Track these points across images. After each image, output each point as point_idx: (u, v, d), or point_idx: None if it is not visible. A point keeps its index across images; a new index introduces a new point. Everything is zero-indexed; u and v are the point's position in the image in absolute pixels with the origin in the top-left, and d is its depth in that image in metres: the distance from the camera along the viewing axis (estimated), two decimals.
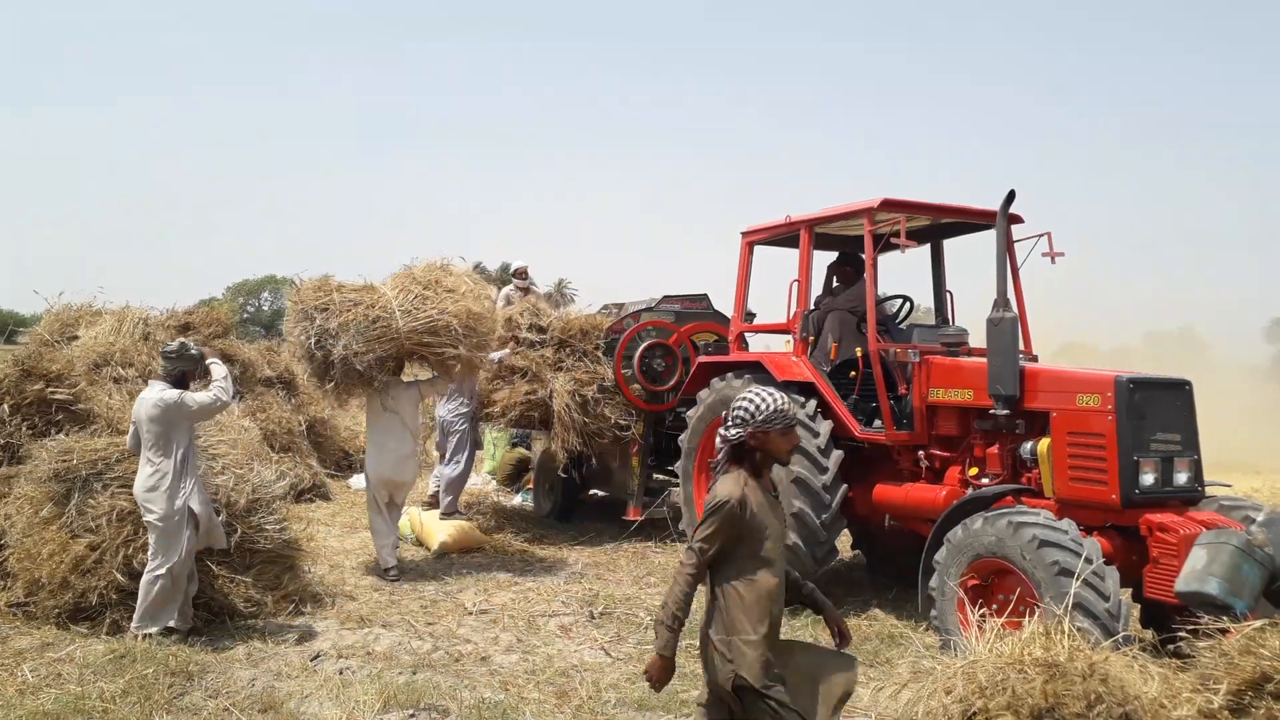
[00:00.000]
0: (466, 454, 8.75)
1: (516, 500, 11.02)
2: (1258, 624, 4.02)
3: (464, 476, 8.84)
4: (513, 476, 11.44)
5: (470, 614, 6.50)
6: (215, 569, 6.08)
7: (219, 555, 6.07)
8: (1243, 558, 4.52)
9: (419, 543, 8.58)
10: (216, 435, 6.78)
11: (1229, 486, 5.74)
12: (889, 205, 6.46)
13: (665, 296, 9.42)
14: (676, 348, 9.03)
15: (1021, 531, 4.85)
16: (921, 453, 6.46)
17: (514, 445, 11.53)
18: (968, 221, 7.08)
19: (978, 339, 6.71)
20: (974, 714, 3.51)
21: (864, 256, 7.42)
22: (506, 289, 11.02)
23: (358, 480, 11.99)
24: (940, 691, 3.60)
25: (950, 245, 7.68)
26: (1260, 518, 4.82)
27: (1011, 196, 5.81)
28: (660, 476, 9.25)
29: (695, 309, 9.44)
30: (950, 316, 7.60)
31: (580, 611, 6.56)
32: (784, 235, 7.40)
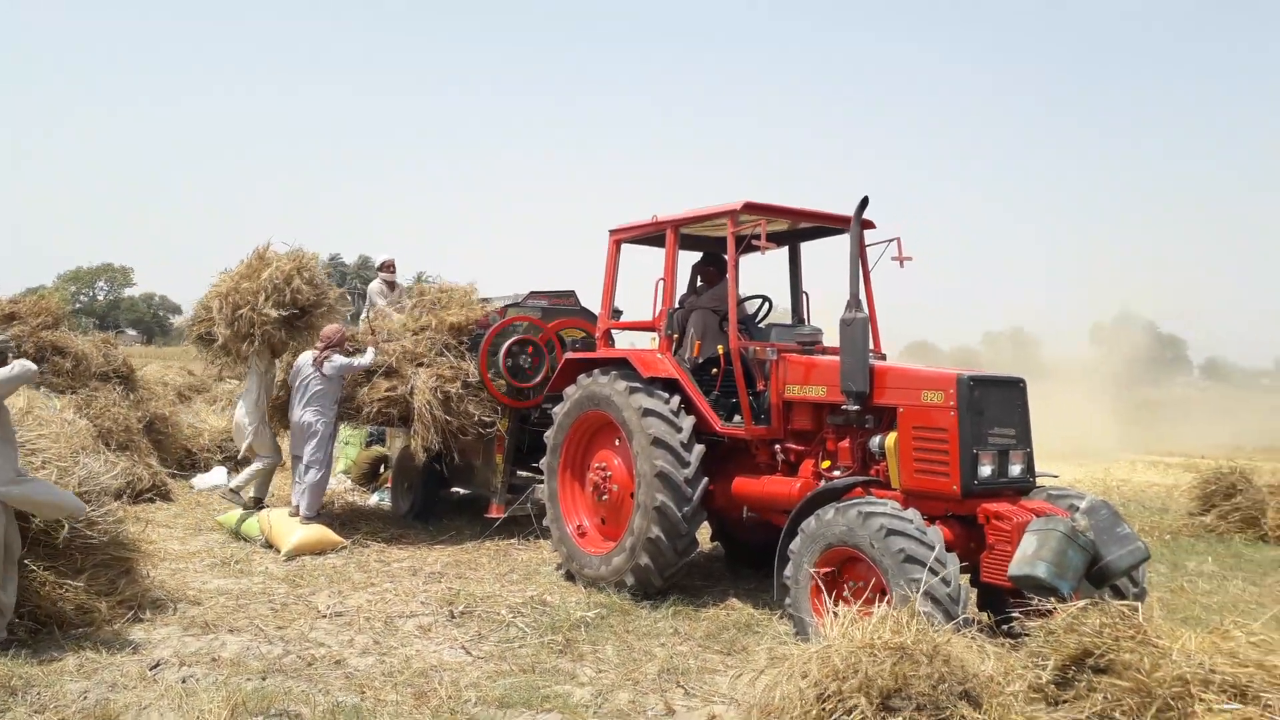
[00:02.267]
0: (328, 456, 8.42)
1: (373, 500, 10.72)
2: (1080, 604, 4.35)
3: (325, 479, 8.51)
4: (368, 475, 11.13)
5: (324, 617, 6.28)
6: (41, 573, 5.64)
7: (45, 559, 5.64)
8: (1068, 543, 4.87)
9: (269, 545, 8.22)
10: (37, 430, 6.30)
11: (1056, 477, 6.17)
12: (751, 208, 6.64)
13: (532, 292, 9.37)
14: (543, 344, 9.00)
15: (870, 521, 5.08)
16: (778, 447, 6.66)
17: (369, 443, 11.22)
18: (824, 226, 7.36)
19: (832, 338, 7.00)
20: (828, 696, 3.65)
21: (727, 257, 7.62)
22: (375, 282, 10.73)
23: (201, 480, 11.42)
24: (796, 676, 3.73)
25: (806, 248, 7.96)
26: (1083, 505, 5.21)
27: (865, 203, 6.07)
28: (524, 473, 9.19)
29: (563, 305, 9.43)
30: (806, 316, 7.88)
31: (440, 611, 6.44)
32: (651, 234, 7.49)
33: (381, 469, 11.12)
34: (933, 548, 4.91)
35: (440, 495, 9.95)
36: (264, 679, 5.07)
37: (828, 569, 5.38)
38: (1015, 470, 5.65)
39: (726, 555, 8.26)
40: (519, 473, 9.17)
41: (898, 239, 6.94)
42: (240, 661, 5.35)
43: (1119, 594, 5.42)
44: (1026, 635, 4.44)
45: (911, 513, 5.13)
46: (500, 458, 8.90)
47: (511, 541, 8.74)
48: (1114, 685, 4.06)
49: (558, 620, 6.19)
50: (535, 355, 8.95)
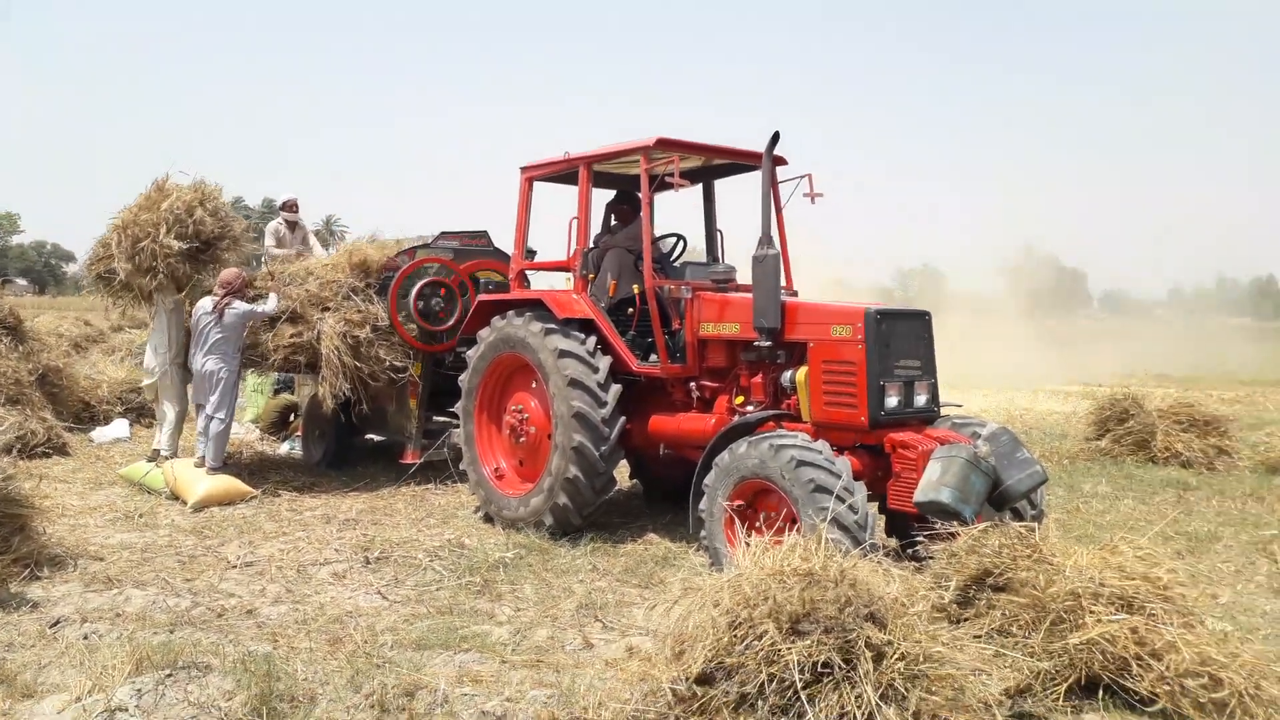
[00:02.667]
0: (230, 405, 8.14)
1: (284, 449, 10.48)
2: (981, 526, 4.52)
3: (229, 429, 8.25)
4: (277, 424, 10.86)
5: (234, 567, 6.15)
6: None
7: None
8: (970, 469, 5.03)
9: (175, 497, 7.98)
10: None
11: (960, 406, 6.36)
12: (664, 144, 6.57)
13: (443, 233, 9.16)
14: (456, 286, 8.82)
15: (781, 453, 5.16)
16: (693, 384, 6.71)
17: (277, 391, 10.93)
18: (737, 162, 7.33)
19: (746, 276, 7.04)
20: (739, 624, 3.72)
21: (640, 195, 7.55)
22: (274, 222, 10.26)
23: (101, 433, 10.99)
24: (709, 605, 3.79)
25: (721, 185, 7.94)
26: (985, 433, 5.39)
27: (776, 138, 6.05)
28: (440, 418, 9.07)
29: (475, 246, 9.24)
30: (721, 254, 7.89)
31: (354, 558, 6.36)
32: (564, 172, 7.36)
33: (291, 417, 10.86)
34: (840, 477, 5.03)
35: (354, 442, 9.77)
36: (171, 632, 4.95)
37: (740, 501, 5.47)
38: (921, 400, 5.80)
39: (644, 492, 8.34)
40: (434, 417, 9.05)
41: (808, 175, 6.98)
42: (146, 615, 5.20)
43: (1019, 516, 5.65)
44: (931, 558, 4.61)
45: (821, 444, 5.23)
46: (414, 403, 8.77)
47: (428, 487, 8.66)
48: (1012, 602, 4.26)
49: (475, 562, 6.18)
50: (448, 298, 8.78)
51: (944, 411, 6.17)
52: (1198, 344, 34.18)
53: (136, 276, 8.07)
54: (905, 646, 3.63)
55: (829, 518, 4.87)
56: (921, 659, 3.65)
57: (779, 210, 7.18)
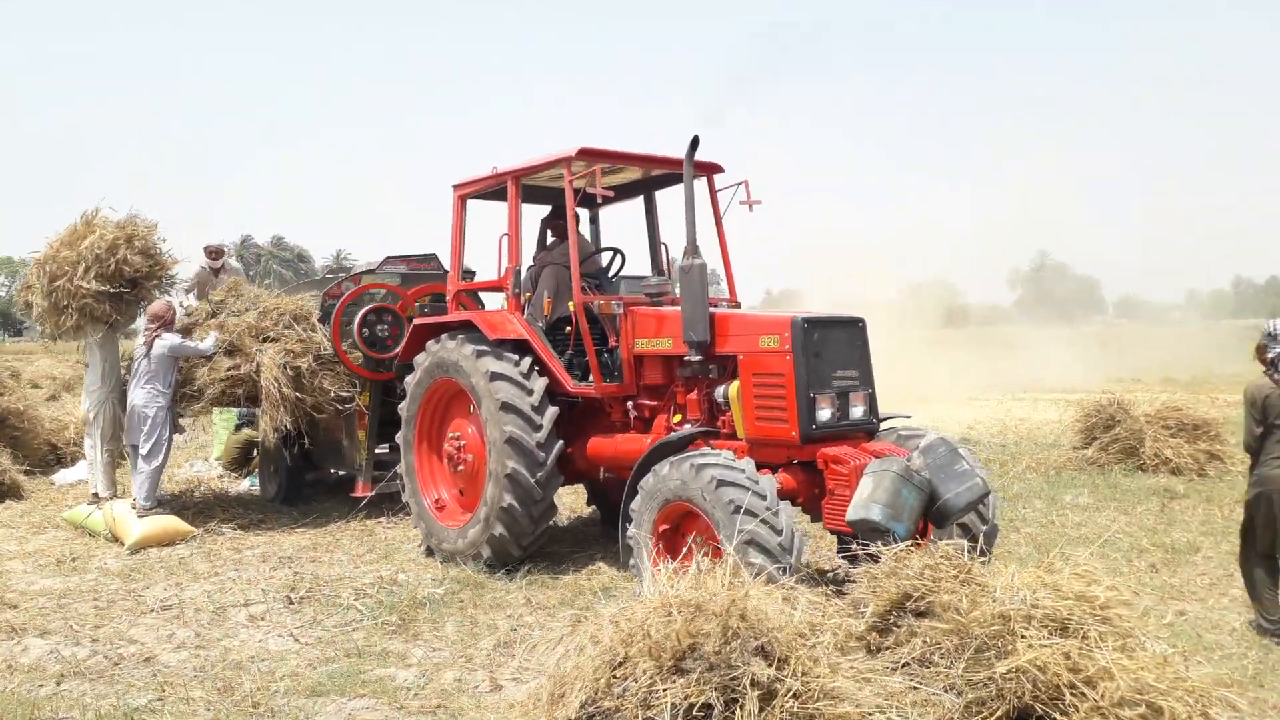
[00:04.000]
0: (160, 442, 7.85)
1: (244, 486, 10.22)
2: (901, 546, 4.18)
3: (161, 467, 7.96)
4: (239, 460, 10.58)
5: (151, 612, 5.86)
6: None
7: None
8: (902, 483, 4.69)
9: (115, 539, 7.71)
10: None
11: (909, 417, 6.02)
12: (586, 154, 6.30)
13: (389, 257, 8.91)
14: (402, 312, 8.56)
15: (702, 473, 4.84)
16: (630, 404, 6.40)
17: (239, 426, 10.66)
18: (675, 172, 7.05)
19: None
20: (620, 662, 3.40)
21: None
22: (196, 268, 9.77)
23: (64, 475, 10.76)
24: (589, 643, 3.47)
25: (664, 196, 7.66)
26: (921, 444, 5.04)
27: (695, 143, 5.77)
28: (390, 448, 8.77)
29: (424, 270, 8.97)
30: (666, 268, 7.59)
31: (278, 598, 6.06)
32: (495, 188, 7.10)
33: (254, 453, 10.59)
34: (764, 497, 4.70)
35: (307, 477, 9.49)
36: (59, 684, 4.67)
37: (667, 526, 5.15)
38: (857, 412, 5.46)
39: (601, 519, 8.01)
40: (385, 448, 8.76)
41: (745, 182, 6.71)
42: (39, 667, 4.93)
43: (967, 532, 5.30)
44: (851, 581, 4.27)
45: (745, 462, 4.90)
46: (363, 434, 8.49)
47: (380, 521, 8.35)
48: (934, 628, 3.89)
49: (401, 600, 5.86)
50: (394, 324, 8.50)
51: (891, 424, 5.84)
52: (1210, 347, 33.53)
53: (52, 315, 7.86)
54: (800, 683, 3.29)
55: (749, 540, 4.56)
56: (818, 696, 3.31)
57: (719, 219, 6.91)
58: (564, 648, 3.60)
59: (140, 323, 8.32)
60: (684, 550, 5.01)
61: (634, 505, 5.29)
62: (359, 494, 8.48)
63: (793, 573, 4.45)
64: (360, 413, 8.43)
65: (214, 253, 9.88)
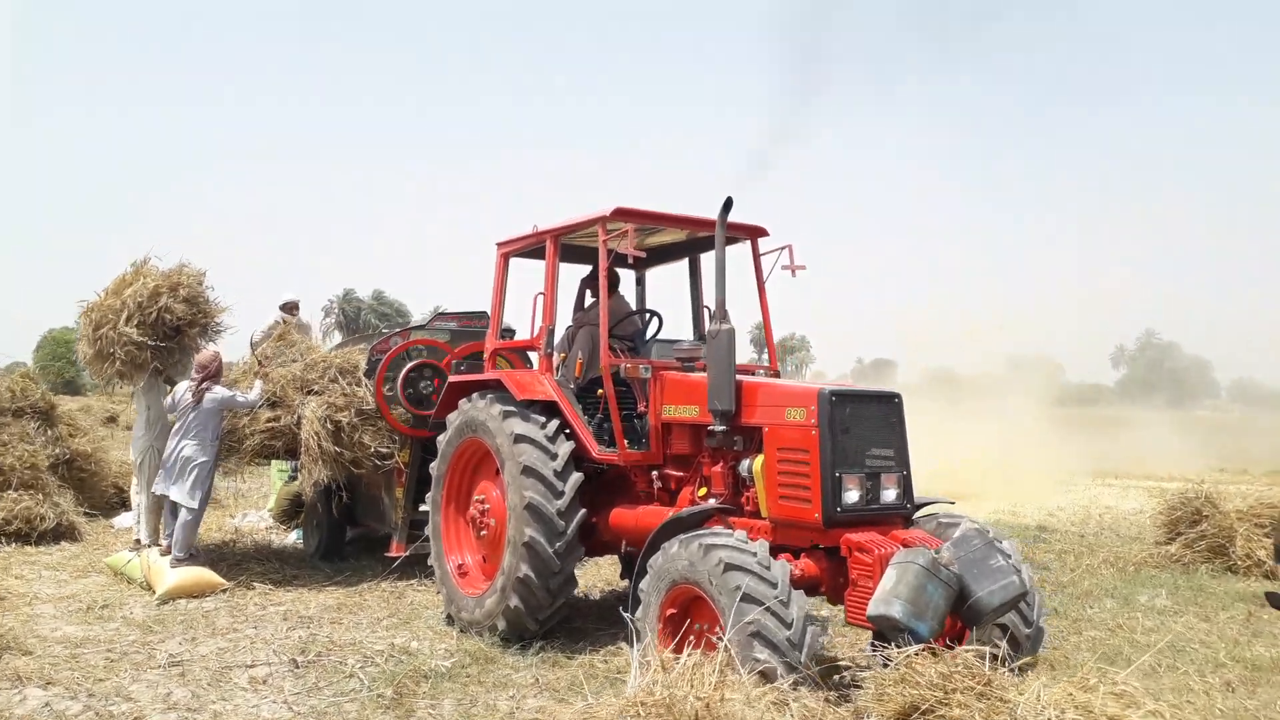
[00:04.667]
0: (203, 494, 7.88)
1: (291, 539, 10.21)
2: (911, 650, 3.77)
3: (198, 518, 7.97)
4: (289, 513, 10.61)
5: (158, 667, 5.76)
6: None
7: None
8: (927, 577, 4.28)
9: (148, 586, 7.72)
10: None
11: (952, 504, 5.57)
12: (621, 214, 6.14)
13: (440, 314, 8.90)
14: (448, 369, 8.49)
15: (710, 554, 4.51)
16: (655, 474, 6.11)
17: (290, 479, 10.71)
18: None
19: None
20: None
21: (617, 269, 7.15)
22: (272, 318, 9.94)
23: (122, 519, 10.97)
24: None
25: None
26: (955, 535, 4.61)
27: (729, 204, 5.55)
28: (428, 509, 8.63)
29: (474, 327, 8.92)
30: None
31: (285, 661, 5.90)
32: (536, 246, 7.00)
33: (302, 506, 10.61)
34: (775, 585, 4.33)
35: (349, 534, 9.41)
36: None
37: (674, 610, 4.81)
38: (889, 496, 5.05)
39: (632, 594, 7.66)
40: (426, 507, 8.61)
41: (789, 247, 6.46)
42: (30, 719, 4.84)
43: (1008, 634, 4.82)
44: (859, 686, 3.86)
45: (758, 545, 4.55)
46: (400, 492, 8.37)
47: (411, 583, 8.18)
48: None
49: (402, 672, 5.62)
50: (439, 381, 8.43)
51: (932, 510, 5.41)
52: None
53: (97, 362, 8.02)
54: None
55: (755, 632, 4.20)
56: None
57: (760, 284, 6.66)
58: None
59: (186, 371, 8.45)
60: (691, 639, 4.66)
61: (642, 586, 4.97)
62: (393, 553, 8.35)
63: (800, 670, 4.07)
64: (399, 470, 8.33)
65: (290, 308, 10.04)
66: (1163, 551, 9.33)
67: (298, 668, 5.78)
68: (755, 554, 4.47)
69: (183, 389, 7.87)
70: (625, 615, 5.04)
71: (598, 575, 8.65)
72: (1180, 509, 9.37)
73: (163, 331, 7.97)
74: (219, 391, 7.83)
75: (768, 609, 4.22)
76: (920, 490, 5.29)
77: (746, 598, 4.29)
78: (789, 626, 4.23)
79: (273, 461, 10.45)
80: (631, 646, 5.60)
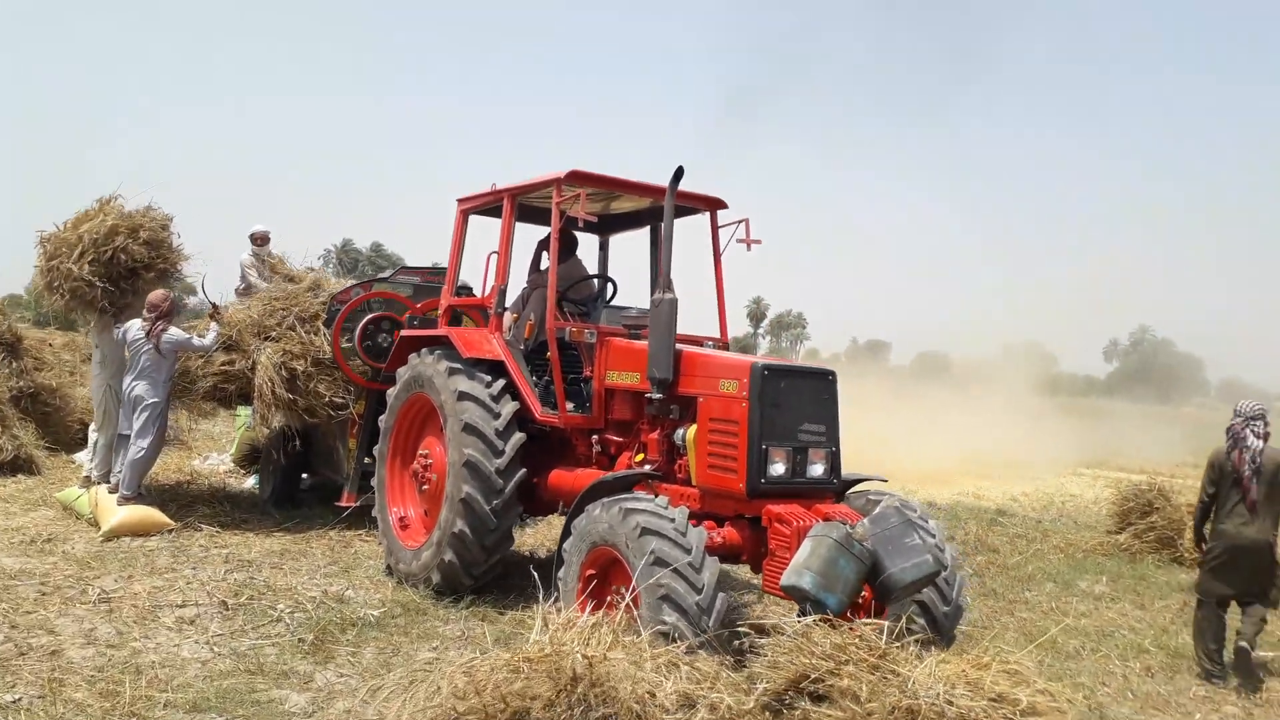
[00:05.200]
0: (155, 433, 7.85)
1: (249, 484, 10.22)
2: (807, 620, 3.80)
3: (149, 458, 7.96)
4: (250, 458, 10.61)
5: (88, 603, 5.77)
6: None
7: None
8: (840, 551, 4.29)
9: (95, 522, 7.73)
10: None
11: (885, 481, 5.58)
12: (576, 177, 6.09)
13: (404, 268, 8.85)
14: (407, 323, 8.43)
15: (629, 518, 4.52)
16: (595, 438, 6.11)
17: (252, 425, 10.67)
18: (681, 204, 6.76)
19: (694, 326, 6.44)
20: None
21: (574, 233, 7.09)
22: (244, 255, 9.90)
23: (84, 455, 10.93)
24: (421, 695, 3.19)
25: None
26: (874, 512, 4.62)
27: (679, 173, 5.49)
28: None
29: (437, 283, 8.85)
30: None
31: (216, 603, 5.92)
32: (495, 204, 6.94)
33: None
34: (689, 550, 4.35)
35: (305, 482, 9.43)
36: None
37: (593, 571, 4.83)
38: (817, 470, 5.06)
39: None
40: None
41: (745, 220, 6.42)
42: None
43: (927, 611, 4.86)
44: (756, 653, 3.89)
45: (677, 511, 4.56)
46: (353, 443, 8.37)
47: (360, 533, 8.20)
48: (827, 716, 3.50)
49: (329, 619, 5.65)
50: (398, 334, 8.38)
51: (866, 486, 5.43)
52: None
53: (46, 294, 7.96)
54: None
55: (664, 596, 4.23)
56: None
57: (717, 256, 6.63)
58: (404, 695, 3.32)
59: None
60: (608, 600, 4.69)
61: (565, 546, 4.99)
62: (343, 504, 8.36)
63: (706, 635, 4.10)
64: (353, 420, 8.32)
65: (259, 239, 9.77)
66: (1113, 540, 9.41)
67: (227, 609, 5.80)
68: (673, 520, 4.48)
69: (136, 327, 7.79)
70: (535, 574, 5.05)
71: (548, 535, 8.69)
72: (1132, 500, 9.43)
73: (116, 272, 7.88)
74: (174, 334, 7.78)
75: (677, 572, 4.24)
76: (898, 470, 5.32)
77: (659, 561, 4.30)
78: (699, 591, 4.25)
79: (239, 407, 10.45)
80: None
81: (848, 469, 5.28)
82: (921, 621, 4.85)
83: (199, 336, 7.98)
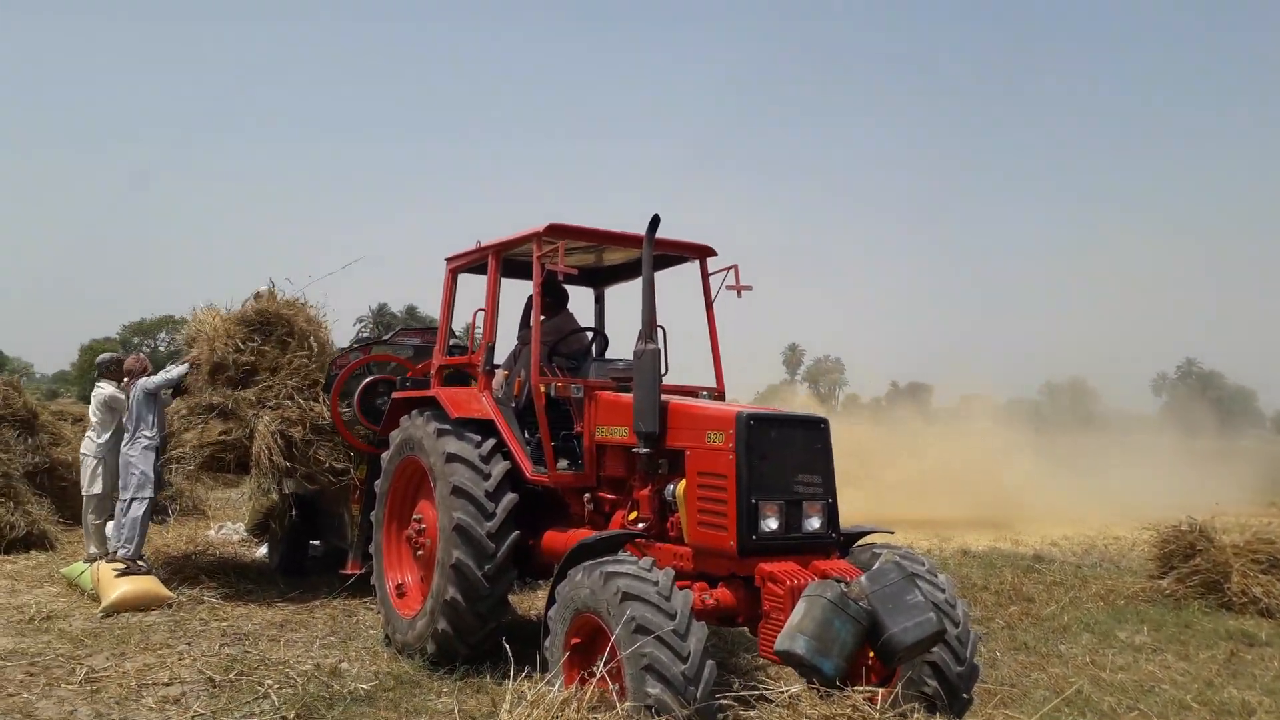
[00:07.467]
0: (147, 495, 7.79)
1: (260, 552, 10.09)
2: (794, 689, 3.52)
3: (144, 519, 7.90)
4: (263, 526, 10.48)
5: (75, 683, 5.62)
6: None
7: None
8: (834, 613, 4.01)
9: (96, 598, 7.62)
10: None
11: (891, 533, 5.28)
12: (554, 230, 5.96)
13: (403, 329, 8.76)
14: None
15: (610, 583, 4.27)
16: (587, 496, 5.89)
17: (267, 491, 10.58)
18: (671, 255, 6.61)
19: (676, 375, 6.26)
20: None
21: (565, 287, 6.98)
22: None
23: (110, 528, 10.91)
24: None
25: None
26: (873, 568, 4.34)
27: (655, 221, 5.33)
28: None
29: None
30: (664, 354, 7.10)
31: (204, 680, 5.73)
32: (481, 262, 6.83)
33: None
34: (674, 616, 4.08)
35: (314, 549, 9.28)
36: None
37: (579, 640, 4.57)
38: (812, 524, 4.79)
39: None
40: None
41: (734, 267, 6.24)
42: None
43: (938, 672, 4.53)
44: None
45: (662, 574, 4.30)
46: (356, 509, 8.21)
47: (364, 601, 8.00)
48: None
49: (318, 693, 5.43)
50: None
51: (873, 539, 5.14)
52: None
53: None
54: None
55: (647, 665, 3.96)
56: None
57: (709, 304, 6.44)
58: None
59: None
60: (596, 672, 4.42)
61: (550, 614, 4.74)
62: (348, 571, 8.18)
63: (693, 707, 3.82)
64: (355, 487, 8.17)
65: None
66: (1155, 586, 8.92)
67: (214, 687, 5.61)
68: (656, 583, 4.22)
69: (114, 395, 8.18)
70: (508, 647, 4.80)
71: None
72: (1173, 543, 8.95)
73: None
74: (140, 381, 8.14)
75: (661, 640, 3.98)
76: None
77: (640, 629, 4.04)
78: (684, 660, 3.98)
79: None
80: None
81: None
82: (934, 684, 4.53)
83: (164, 372, 8.27)
